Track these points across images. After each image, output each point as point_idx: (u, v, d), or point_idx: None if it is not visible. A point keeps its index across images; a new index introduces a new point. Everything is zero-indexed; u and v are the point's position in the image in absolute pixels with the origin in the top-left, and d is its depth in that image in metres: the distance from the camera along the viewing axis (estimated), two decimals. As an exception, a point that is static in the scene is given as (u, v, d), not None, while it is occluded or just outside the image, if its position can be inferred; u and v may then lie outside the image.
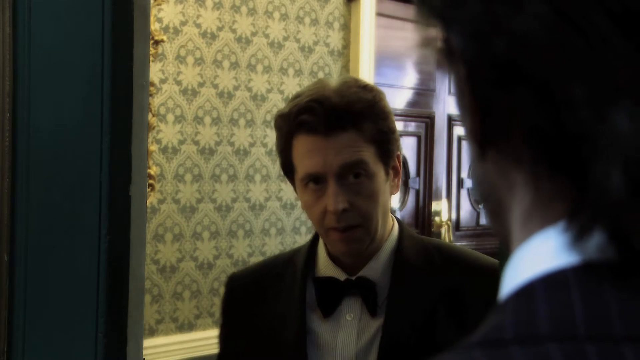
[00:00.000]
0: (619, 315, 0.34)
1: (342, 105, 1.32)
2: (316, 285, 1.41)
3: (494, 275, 1.40)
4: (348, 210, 1.32)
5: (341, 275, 1.40)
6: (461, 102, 0.41)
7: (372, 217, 1.35)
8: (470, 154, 0.43)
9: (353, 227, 1.34)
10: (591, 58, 0.34)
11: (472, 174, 0.44)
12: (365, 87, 1.38)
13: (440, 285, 1.38)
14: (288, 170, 1.42)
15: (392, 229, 1.43)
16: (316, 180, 1.34)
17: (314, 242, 1.47)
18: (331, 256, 1.42)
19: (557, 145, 0.36)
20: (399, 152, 1.41)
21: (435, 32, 0.40)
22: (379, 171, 1.36)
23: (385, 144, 1.37)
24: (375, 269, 1.40)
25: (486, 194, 0.44)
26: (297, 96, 1.39)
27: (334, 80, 1.40)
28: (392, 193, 1.41)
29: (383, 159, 1.37)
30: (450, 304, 1.38)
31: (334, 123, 1.32)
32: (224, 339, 1.54)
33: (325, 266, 1.42)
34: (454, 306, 1.37)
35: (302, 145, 1.35)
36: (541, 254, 0.38)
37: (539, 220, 0.39)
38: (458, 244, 4.38)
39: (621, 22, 0.34)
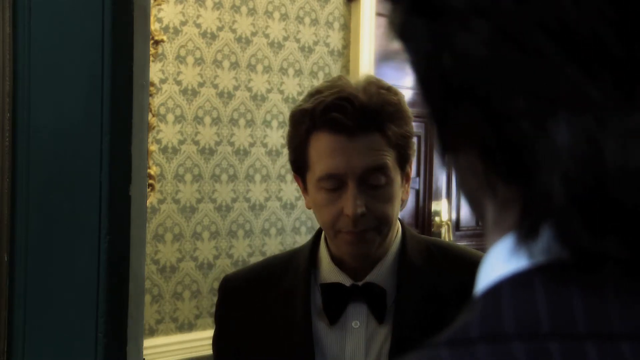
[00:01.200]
0: (583, 313, 0.35)
1: (372, 107, 1.29)
2: (323, 292, 1.36)
3: None
4: (365, 215, 1.29)
5: (347, 281, 1.36)
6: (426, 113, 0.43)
7: (387, 220, 1.32)
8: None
9: (371, 229, 1.31)
10: (530, 72, 0.36)
11: (456, 182, 0.46)
12: (390, 89, 1.34)
13: (446, 286, 1.35)
14: (300, 167, 1.37)
15: (397, 232, 1.40)
16: (333, 183, 1.30)
17: (314, 245, 1.42)
18: (335, 260, 1.38)
19: (503, 156, 0.38)
20: (411, 159, 1.38)
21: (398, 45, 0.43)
22: (397, 176, 1.33)
23: (405, 149, 1.34)
24: (382, 274, 1.36)
25: (468, 199, 0.46)
26: (318, 92, 1.34)
27: (355, 78, 1.35)
28: (403, 199, 1.37)
29: (401, 164, 1.34)
30: (458, 305, 1.35)
31: (362, 124, 1.28)
32: (220, 345, 1.48)
33: (329, 271, 1.38)
34: (462, 307, 1.35)
35: (324, 144, 1.30)
36: (504, 256, 0.39)
37: (505, 224, 0.41)
38: (458, 244, 4.39)
39: (557, 36, 0.35)
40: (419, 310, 1.34)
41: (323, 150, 1.30)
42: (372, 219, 1.30)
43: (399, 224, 1.41)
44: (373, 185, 1.30)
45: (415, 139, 4.22)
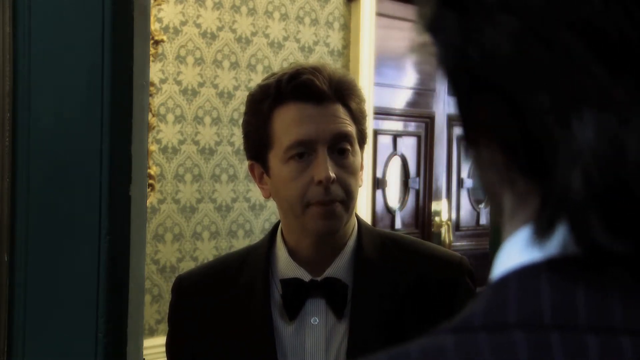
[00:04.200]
0: (585, 307, 0.36)
1: (337, 77, 1.33)
2: (282, 287, 1.34)
3: (455, 267, 1.38)
4: (334, 182, 1.28)
5: (305, 276, 1.34)
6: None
7: (353, 194, 1.32)
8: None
9: (335, 202, 1.29)
10: (556, 69, 0.37)
11: (473, 175, 0.47)
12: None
13: (402, 280, 1.34)
14: (260, 149, 1.35)
15: (354, 226, 1.39)
16: (303, 150, 1.29)
17: (271, 240, 1.40)
18: (292, 255, 1.36)
19: (525, 151, 0.39)
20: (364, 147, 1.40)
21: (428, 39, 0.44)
22: (359, 152, 1.35)
23: (364, 126, 1.37)
24: (341, 268, 1.34)
25: (487, 192, 0.46)
26: (273, 74, 1.36)
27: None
28: (359, 184, 1.37)
29: (360, 143, 1.36)
30: (415, 299, 1.34)
31: (330, 92, 1.31)
32: (174, 349, 1.43)
33: (286, 266, 1.36)
34: (420, 301, 1.33)
35: (292, 114, 1.30)
36: (518, 248, 0.40)
37: (521, 217, 0.42)
38: (458, 244, 4.39)
39: (584, 35, 0.36)
40: (375, 305, 1.33)
41: (291, 120, 1.30)
42: (340, 190, 1.29)
43: (355, 218, 1.40)
44: (341, 152, 1.31)
45: (417, 138, 4.15)
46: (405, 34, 4.12)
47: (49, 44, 1.26)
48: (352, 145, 1.32)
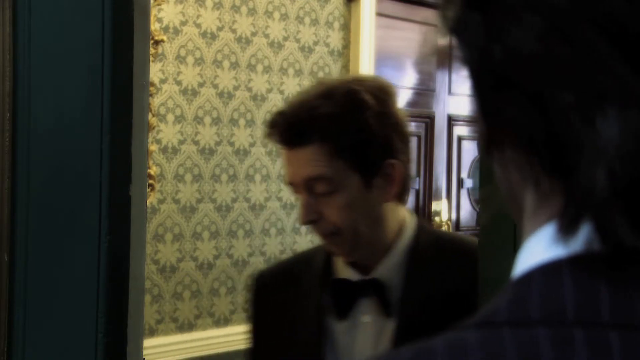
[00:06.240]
0: (608, 304, 0.37)
1: (302, 120, 1.30)
2: (332, 287, 1.40)
3: None
4: (318, 221, 1.33)
5: (354, 276, 1.38)
6: (473, 107, 0.44)
7: (346, 227, 1.32)
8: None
9: (331, 234, 1.34)
10: (580, 68, 0.37)
11: (495, 177, 0.47)
12: (336, 96, 1.32)
13: (456, 282, 1.36)
14: None
15: (404, 226, 1.39)
16: (293, 188, 1.37)
17: None
18: None
19: (549, 149, 0.39)
20: (394, 161, 1.33)
21: (444, 40, 0.44)
22: (352, 182, 1.31)
23: (364, 153, 1.31)
24: (389, 268, 1.37)
25: (506, 192, 0.46)
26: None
27: (331, 80, 1.40)
28: (384, 201, 1.34)
29: (360, 169, 1.31)
30: (467, 301, 1.34)
31: (294, 137, 1.32)
32: (254, 334, 1.54)
33: (341, 267, 1.42)
34: (471, 304, 1.34)
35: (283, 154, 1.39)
36: (541, 246, 0.41)
37: (544, 215, 0.42)
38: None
39: (609, 34, 0.36)
40: (424, 305, 1.35)
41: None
42: (328, 225, 1.33)
43: (408, 218, 1.41)
44: (321, 193, 1.32)
45: (412, 141, 4.14)
46: (405, 34, 4.12)
47: (49, 44, 1.26)
48: (329, 183, 1.30)
